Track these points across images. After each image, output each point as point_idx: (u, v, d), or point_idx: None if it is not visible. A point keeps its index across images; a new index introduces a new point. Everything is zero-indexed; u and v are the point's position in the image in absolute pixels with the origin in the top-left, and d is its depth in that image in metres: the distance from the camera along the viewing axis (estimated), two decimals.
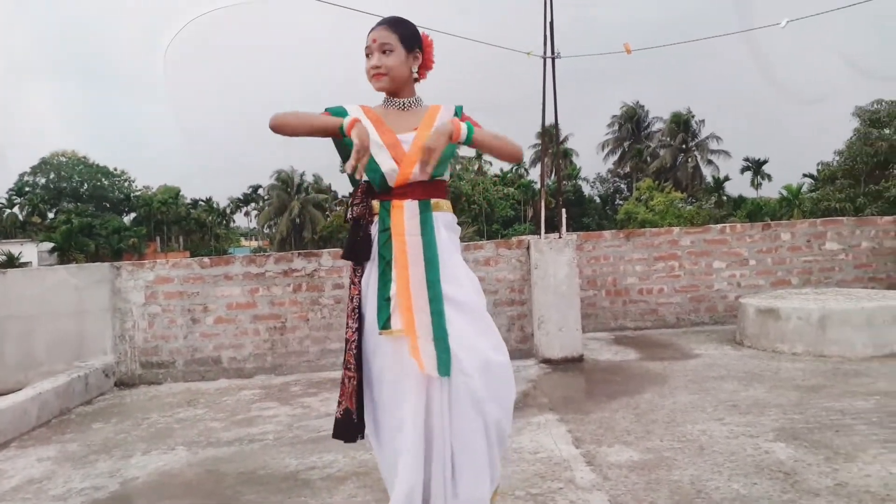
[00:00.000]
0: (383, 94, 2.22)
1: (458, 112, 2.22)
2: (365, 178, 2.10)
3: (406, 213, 2.08)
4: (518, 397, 3.95)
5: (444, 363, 1.98)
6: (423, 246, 2.07)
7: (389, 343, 2.05)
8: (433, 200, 2.13)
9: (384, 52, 2.12)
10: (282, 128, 2.06)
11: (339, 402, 2.17)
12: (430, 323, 2.02)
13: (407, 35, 2.16)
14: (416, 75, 2.21)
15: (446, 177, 2.20)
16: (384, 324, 2.02)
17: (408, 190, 2.10)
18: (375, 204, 2.12)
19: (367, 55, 2.15)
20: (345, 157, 2.08)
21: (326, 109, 2.14)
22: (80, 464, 3.48)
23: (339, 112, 2.12)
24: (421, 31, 2.25)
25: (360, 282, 2.14)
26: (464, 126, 2.05)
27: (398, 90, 2.19)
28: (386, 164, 2.08)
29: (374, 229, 2.11)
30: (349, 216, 2.13)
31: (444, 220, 2.16)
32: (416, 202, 2.10)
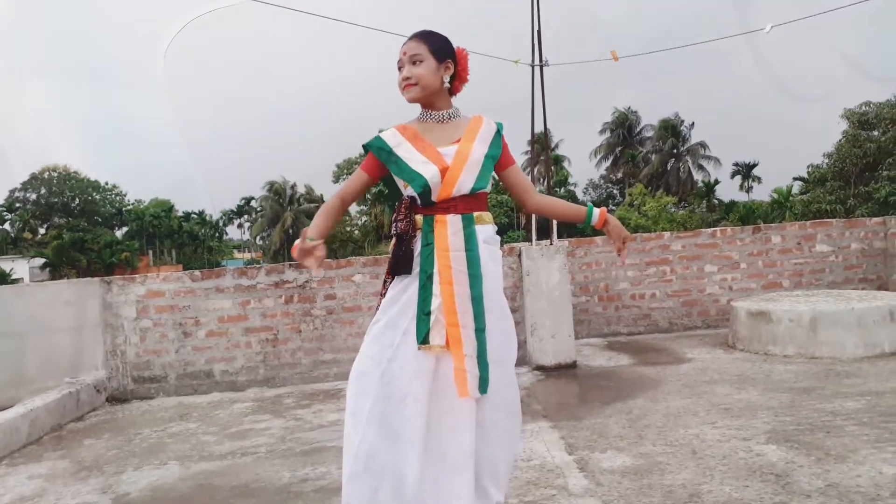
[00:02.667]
0: (419, 108, 2.22)
1: (500, 129, 2.24)
2: (408, 192, 2.12)
3: (449, 228, 2.08)
4: None
5: (484, 381, 2.04)
6: (468, 262, 2.07)
7: (424, 359, 2.04)
8: (476, 214, 2.13)
9: (414, 62, 2.13)
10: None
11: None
12: (474, 340, 2.04)
13: (437, 46, 2.16)
14: (448, 85, 2.20)
15: (488, 189, 2.19)
16: (423, 338, 2.03)
17: (450, 204, 2.10)
18: (419, 219, 2.11)
19: (399, 68, 2.17)
20: (392, 188, 2.18)
21: (364, 146, 2.20)
22: (71, 480, 3.46)
23: (375, 144, 2.16)
24: (456, 46, 2.25)
25: (385, 293, 2.14)
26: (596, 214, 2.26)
27: (431, 101, 2.19)
28: (430, 178, 2.08)
29: (417, 244, 2.11)
30: (393, 231, 2.13)
31: (485, 234, 2.15)
32: (458, 216, 2.10)
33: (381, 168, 2.17)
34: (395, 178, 2.17)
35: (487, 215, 2.17)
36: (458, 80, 2.24)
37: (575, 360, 5.37)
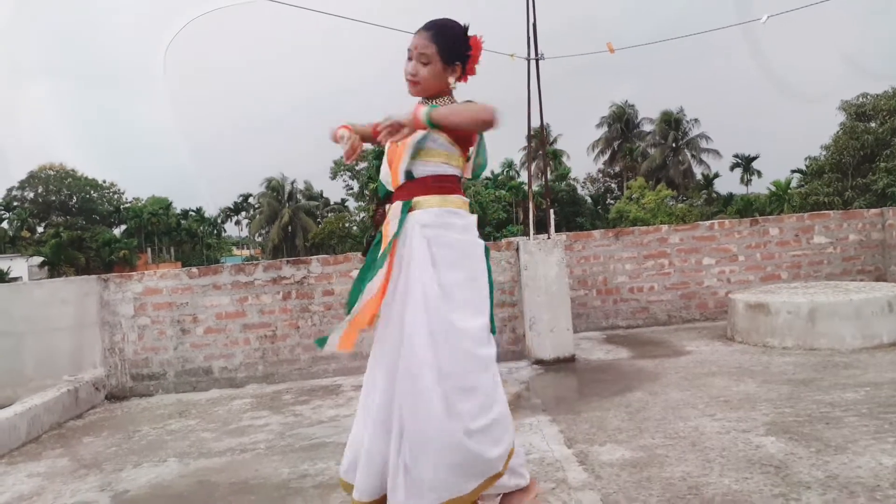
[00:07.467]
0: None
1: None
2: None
3: (391, 214, 2.12)
4: (510, 399, 3.94)
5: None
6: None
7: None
8: (414, 200, 2.10)
9: (421, 62, 2.10)
10: None
11: None
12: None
13: (447, 47, 2.11)
14: (454, 86, 2.18)
15: (437, 171, 2.10)
16: (323, 342, 2.15)
17: (398, 193, 2.12)
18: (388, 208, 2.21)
19: (409, 58, 2.14)
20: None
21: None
22: (70, 478, 3.45)
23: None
24: (472, 33, 2.20)
25: None
26: (423, 109, 1.97)
27: (432, 97, 2.18)
28: (383, 169, 2.13)
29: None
30: (375, 220, 2.25)
31: (424, 219, 2.09)
32: (399, 204, 2.11)
33: None
34: None
35: (433, 199, 2.08)
36: (467, 72, 2.21)
37: (573, 353, 5.37)
